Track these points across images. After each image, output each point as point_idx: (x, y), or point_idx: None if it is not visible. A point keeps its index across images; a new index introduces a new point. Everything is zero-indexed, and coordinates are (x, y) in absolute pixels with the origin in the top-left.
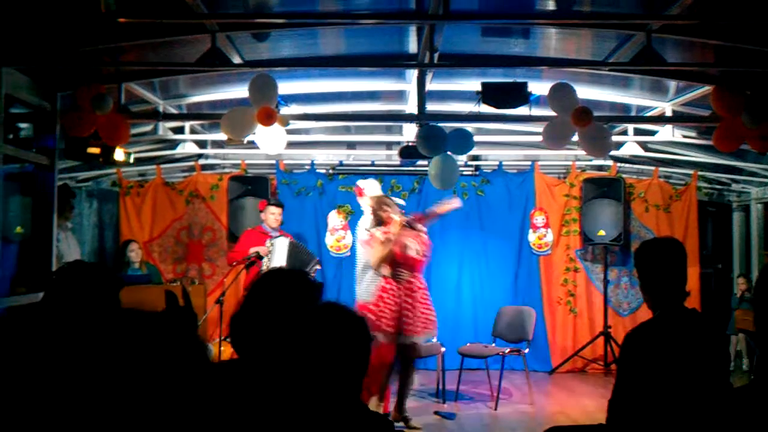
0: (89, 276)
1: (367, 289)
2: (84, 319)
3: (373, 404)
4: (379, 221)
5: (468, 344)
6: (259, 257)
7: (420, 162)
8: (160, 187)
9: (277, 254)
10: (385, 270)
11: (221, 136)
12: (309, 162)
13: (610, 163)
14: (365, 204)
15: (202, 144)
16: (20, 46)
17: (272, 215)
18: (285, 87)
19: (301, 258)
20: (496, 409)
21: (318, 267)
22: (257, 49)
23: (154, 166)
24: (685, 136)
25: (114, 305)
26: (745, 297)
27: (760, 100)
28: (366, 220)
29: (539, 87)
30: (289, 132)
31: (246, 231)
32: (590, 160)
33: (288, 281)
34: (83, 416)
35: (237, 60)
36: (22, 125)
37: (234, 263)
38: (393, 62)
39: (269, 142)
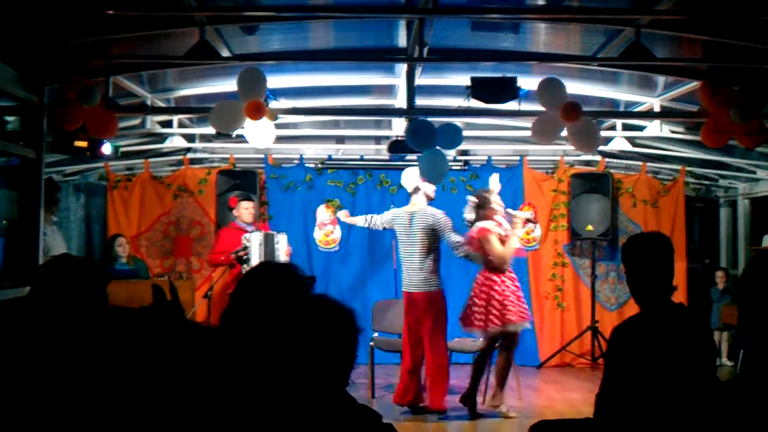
0: (77, 270)
1: (428, 279)
2: (71, 313)
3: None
4: (482, 216)
5: (456, 339)
6: (241, 261)
7: (409, 156)
8: (147, 181)
9: (253, 250)
10: (508, 263)
11: (209, 129)
12: (298, 156)
13: (598, 158)
14: (423, 189)
15: (190, 138)
16: (7, 39)
17: (246, 210)
18: (274, 81)
19: (270, 243)
20: (483, 404)
21: (284, 237)
22: (246, 42)
23: (141, 160)
24: (673, 132)
25: (101, 300)
26: (731, 290)
27: (748, 96)
28: (420, 206)
29: (528, 82)
30: (278, 126)
31: (222, 230)
32: (578, 156)
33: (277, 275)
34: (69, 411)
35: (226, 53)
36: (9, 118)
37: (215, 265)
38: (382, 56)
39: (258, 136)
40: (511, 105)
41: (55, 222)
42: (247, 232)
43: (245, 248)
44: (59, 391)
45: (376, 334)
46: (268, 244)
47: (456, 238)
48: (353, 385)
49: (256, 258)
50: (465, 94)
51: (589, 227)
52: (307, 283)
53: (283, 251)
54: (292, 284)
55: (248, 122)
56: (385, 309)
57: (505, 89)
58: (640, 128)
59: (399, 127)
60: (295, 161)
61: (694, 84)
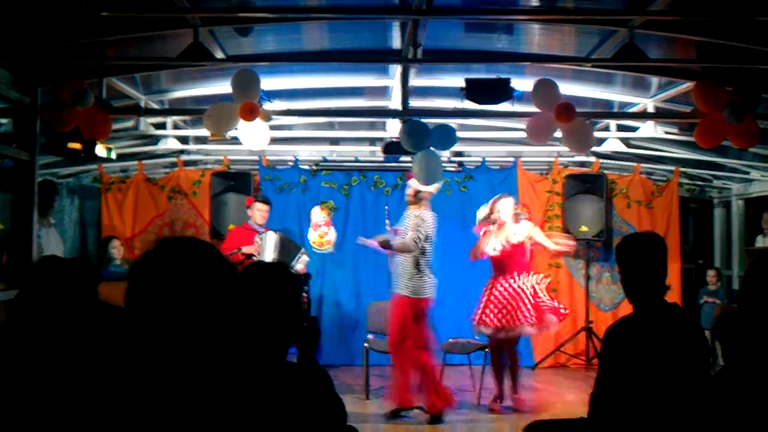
0: (63, 270)
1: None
2: (59, 313)
3: None
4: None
5: (450, 340)
6: (249, 258)
7: (403, 158)
8: (142, 183)
9: (267, 249)
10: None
11: (203, 131)
12: (292, 158)
13: (592, 159)
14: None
15: (184, 140)
16: (0, 41)
17: (259, 212)
18: (268, 82)
19: (289, 249)
20: (478, 404)
21: (306, 258)
22: (240, 44)
23: (135, 162)
24: (666, 133)
25: (91, 298)
26: (718, 292)
27: (741, 96)
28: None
29: (522, 83)
30: (272, 128)
31: (234, 228)
32: (573, 157)
33: (267, 275)
34: (58, 407)
35: (220, 55)
36: (2, 120)
37: None
38: (376, 58)
39: (252, 138)
40: (505, 106)
41: (52, 224)
42: (258, 233)
43: (245, 254)
44: (48, 387)
45: (370, 336)
46: (284, 248)
47: None
48: (348, 386)
49: (269, 258)
50: (459, 95)
51: (584, 228)
52: (297, 282)
53: (299, 268)
54: (283, 284)
55: (242, 124)
56: (379, 310)
57: (499, 90)
58: (634, 129)
59: (393, 128)
60: (290, 163)
61: (687, 85)
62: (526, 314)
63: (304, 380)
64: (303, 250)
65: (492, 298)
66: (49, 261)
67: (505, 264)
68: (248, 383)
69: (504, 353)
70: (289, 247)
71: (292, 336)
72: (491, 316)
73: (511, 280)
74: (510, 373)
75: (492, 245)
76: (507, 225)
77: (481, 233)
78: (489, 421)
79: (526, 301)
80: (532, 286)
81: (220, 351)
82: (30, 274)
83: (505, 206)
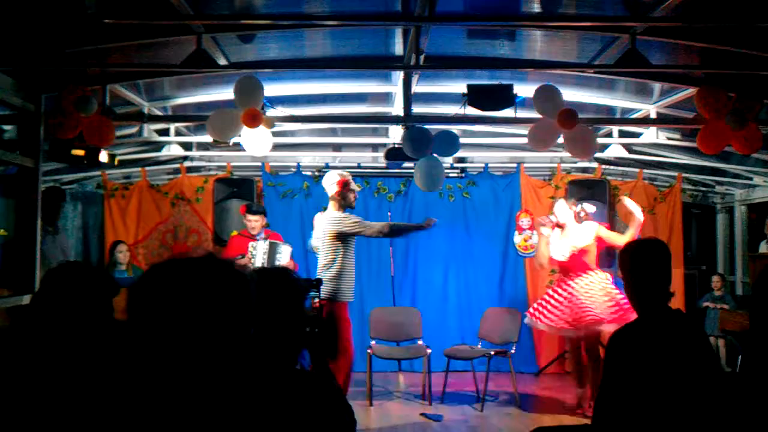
0: (84, 278)
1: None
2: (73, 324)
3: None
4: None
5: (454, 346)
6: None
7: (406, 164)
8: (145, 189)
9: (258, 258)
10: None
11: (207, 138)
12: (295, 164)
13: (595, 165)
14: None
15: (187, 146)
16: (4, 48)
17: (248, 222)
18: (271, 89)
19: (274, 252)
20: (482, 411)
21: (288, 248)
22: (243, 50)
23: (139, 169)
24: (669, 138)
25: (107, 312)
26: (715, 296)
27: (744, 102)
28: None
29: (525, 89)
30: (275, 134)
31: (233, 236)
32: (575, 162)
33: (269, 282)
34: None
35: (222, 62)
36: (6, 127)
37: None
38: (379, 64)
39: (255, 144)
40: (508, 112)
41: (60, 231)
42: (255, 240)
43: (243, 257)
44: (51, 398)
45: (373, 342)
46: (272, 253)
47: None
48: (351, 393)
49: (259, 266)
50: (461, 101)
51: None
52: (302, 287)
53: (285, 262)
54: (285, 288)
55: (245, 130)
56: (382, 317)
57: (502, 97)
58: (637, 135)
59: (396, 134)
60: (293, 169)
61: (690, 91)
62: (597, 312)
63: (314, 387)
64: (279, 243)
65: (557, 296)
66: (71, 267)
67: (571, 266)
68: (257, 391)
69: (582, 355)
70: (273, 250)
71: (299, 342)
72: (552, 314)
73: (578, 280)
74: (589, 376)
75: (559, 250)
76: (569, 227)
77: (540, 236)
78: (492, 428)
79: (596, 299)
80: (602, 284)
81: (229, 361)
82: (50, 279)
83: (561, 209)
